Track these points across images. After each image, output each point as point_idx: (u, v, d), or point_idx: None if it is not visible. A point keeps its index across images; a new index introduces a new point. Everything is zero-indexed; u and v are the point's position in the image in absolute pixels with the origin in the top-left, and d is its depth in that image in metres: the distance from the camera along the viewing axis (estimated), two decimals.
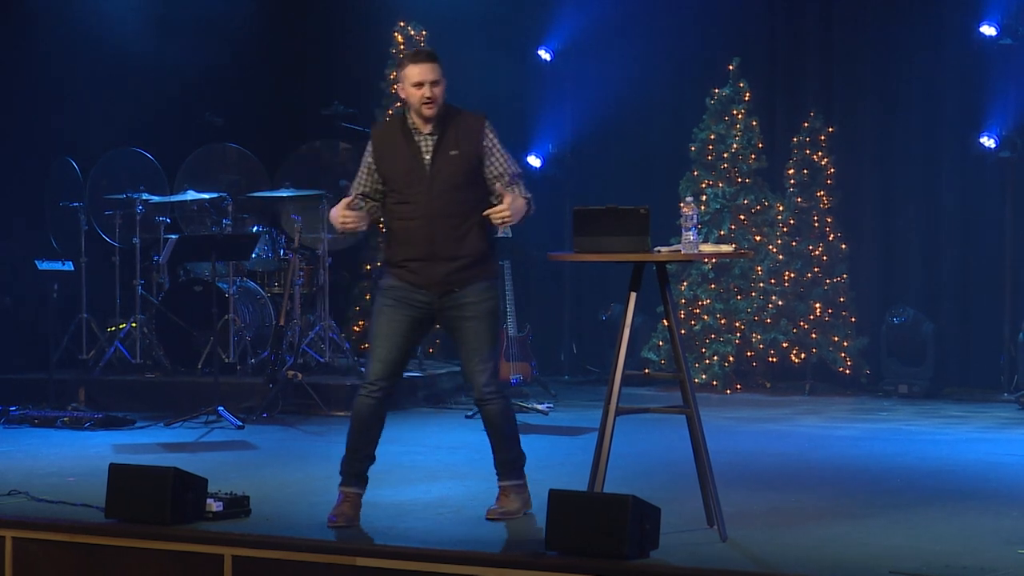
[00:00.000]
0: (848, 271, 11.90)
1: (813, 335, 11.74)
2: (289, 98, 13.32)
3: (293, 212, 11.58)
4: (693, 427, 6.21)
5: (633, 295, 6.21)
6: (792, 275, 11.79)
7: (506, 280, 10.71)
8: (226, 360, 10.98)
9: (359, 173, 6.56)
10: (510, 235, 9.84)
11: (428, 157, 6.40)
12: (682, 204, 6.34)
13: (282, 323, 10.85)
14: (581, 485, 6.22)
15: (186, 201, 11.67)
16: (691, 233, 6.29)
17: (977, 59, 11.70)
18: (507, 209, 6.27)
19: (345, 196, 6.50)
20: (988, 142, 11.55)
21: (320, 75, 13.24)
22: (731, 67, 12.01)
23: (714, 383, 11.72)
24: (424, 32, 12.98)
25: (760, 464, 8.27)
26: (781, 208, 11.91)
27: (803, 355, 11.79)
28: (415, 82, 6.37)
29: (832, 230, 11.87)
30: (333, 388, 10.68)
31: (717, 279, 11.90)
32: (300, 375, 10.57)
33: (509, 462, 6.59)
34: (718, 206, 11.88)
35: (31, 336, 11.49)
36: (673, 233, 6.79)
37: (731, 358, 11.79)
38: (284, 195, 11.74)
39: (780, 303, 11.79)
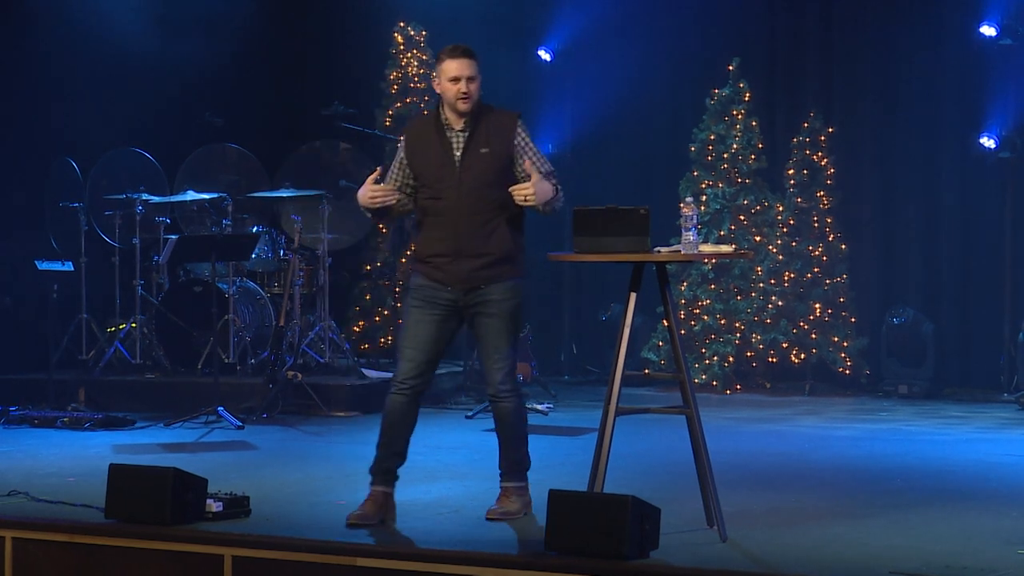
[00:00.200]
0: (848, 271, 11.90)
1: (813, 335, 11.74)
2: (289, 98, 13.32)
3: (293, 212, 11.58)
4: (693, 427, 6.21)
5: (633, 295, 6.21)
6: (792, 275, 11.79)
7: None
8: (226, 360, 10.98)
9: (392, 167, 6.60)
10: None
11: (459, 153, 6.42)
12: (682, 204, 6.34)
13: (282, 323, 10.85)
14: (581, 485, 6.22)
15: (186, 201, 11.67)
16: (691, 233, 6.28)
17: (977, 59, 11.70)
18: (531, 187, 6.28)
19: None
20: (988, 142, 11.56)
21: (320, 75, 13.23)
22: (731, 67, 12.01)
23: (714, 383, 11.72)
24: (424, 32, 12.99)
25: (760, 464, 8.27)
26: (781, 208, 11.91)
27: (803, 355, 11.79)
28: (451, 77, 6.41)
29: (832, 230, 11.88)
30: (333, 388, 10.68)
31: (717, 279, 11.90)
32: (300, 375, 10.57)
33: (515, 463, 6.59)
34: (718, 206, 11.89)
35: (31, 336, 11.48)
36: (673, 233, 6.78)
37: (731, 358, 11.79)
38: (284, 195, 11.74)
39: (780, 303, 11.79)
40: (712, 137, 11.99)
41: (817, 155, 11.87)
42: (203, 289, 11.00)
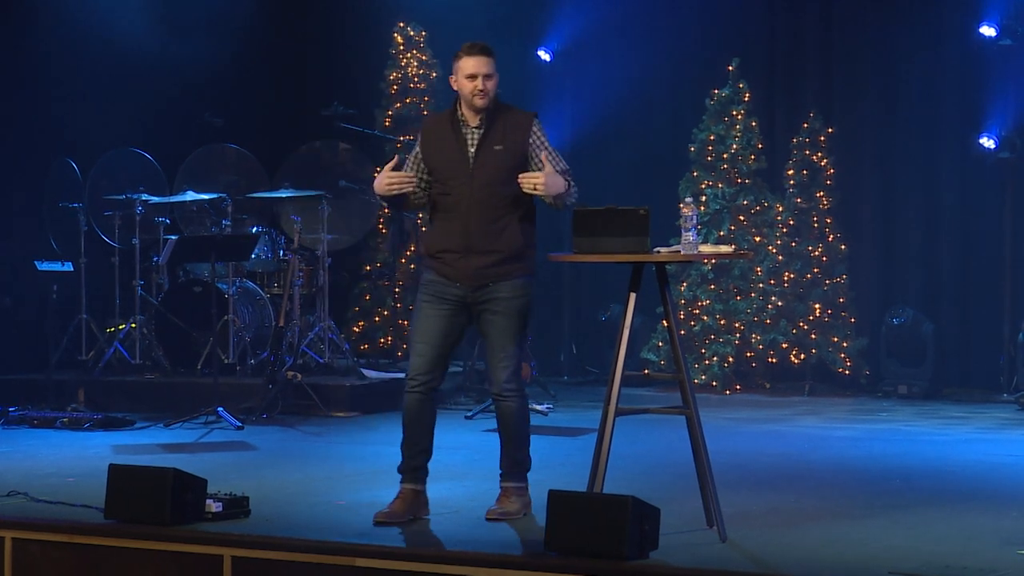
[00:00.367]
0: (847, 272, 11.90)
1: (812, 336, 11.74)
2: (289, 98, 13.32)
3: (293, 213, 11.58)
4: (692, 428, 6.21)
5: (632, 296, 6.21)
6: (791, 276, 11.79)
7: None
8: (225, 361, 10.98)
9: (407, 161, 6.63)
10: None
11: (473, 150, 6.46)
12: (681, 205, 6.34)
13: (281, 324, 10.85)
14: (581, 486, 6.22)
15: (185, 202, 11.67)
16: (690, 234, 6.29)
17: (977, 60, 11.70)
18: (541, 176, 6.30)
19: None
20: (988, 143, 11.55)
21: (320, 75, 13.24)
22: (731, 68, 12.00)
23: (713, 384, 11.71)
24: (424, 32, 13.00)
25: (760, 465, 8.27)
26: (780, 209, 11.91)
27: (802, 356, 11.79)
28: (468, 74, 6.44)
29: (831, 231, 11.87)
30: (332, 389, 10.67)
31: (716, 280, 11.90)
32: (299, 376, 10.56)
33: (516, 463, 6.60)
34: (717, 207, 11.88)
35: (30, 337, 11.48)
36: (673, 234, 6.78)
37: (730, 359, 11.79)
38: (283, 196, 11.73)
39: (779, 304, 11.78)
40: (712, 137, 11.99)
41: (817, 155, 11.87)
42: (203, 289, 11.00)
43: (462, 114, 6.52)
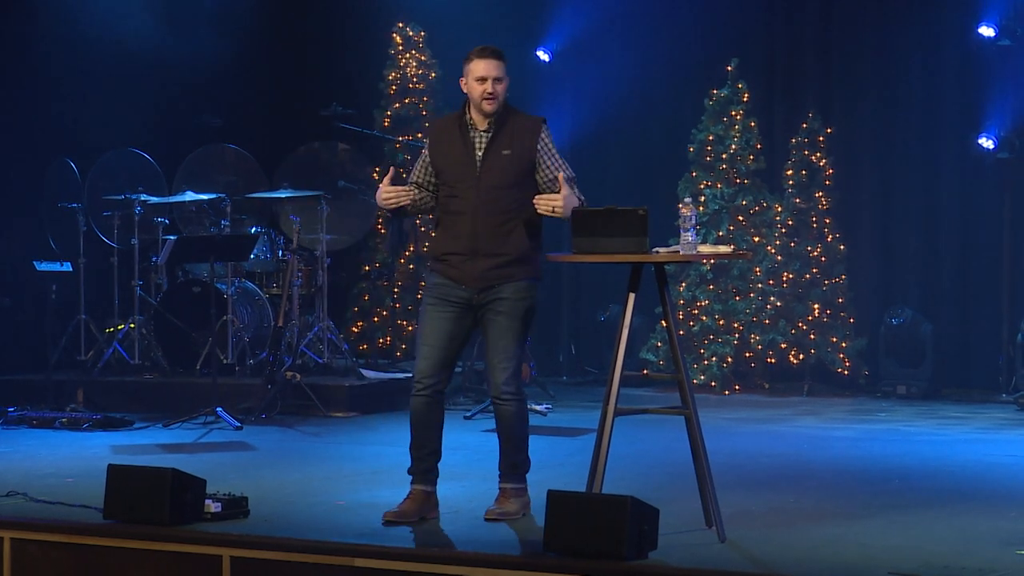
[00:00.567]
0: (846, 272, 11.90)
1: (811, 336, 11.74)
2: (288, 99, 13.32)
3: (291, 213, 11.57)
4: (692, 428, 6.21)
5: (632, 296, 6.21)
6: (790, 276, 11.79)
7: None
8: (224, 361, 10.98)
9: (416, 163, 6.65)
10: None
11: (480, 153, 6.47)
12: (680, 205, 6.34)
13: (280, 324, 10.85)
14: (579, 486, 6.21)
15: (184, 202, 11.67)
16: (689, 234, 6.29)
17: (976, 60, 11.70)
18: (560, 199, 6.32)
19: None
20: (987, 143, 11.55)
21: (319, 76, 13.23)
22: (729, 68, 12.01)
23: (712, 384, 11.72)
24: (423, 33, 13.00)
25: (759, 465, 8.27)
26: (779, 209, 11.91)
27: (801, 356, 11.79)
28: (478, 77, 6.45)
29: (830, 231, 11.87)
30: (331, 389, 10.67)
31: (715, 280, 11.90)
32: (298, 376, 10.56)
33: (514, 464, 6.60)
34: (716, 207, 11.89)
35: (30, 337, 11.49)
36: (672, 234, 6.78)
37: (729, 359, 11.79)
38: (282, 196, 11.73)
39: (778, 304, 11.79)
40: (711, 138, 11.99)
41: (816, 156, 11.87)
42: (202, 290, 11.00)
43: (470, 117, 6.52)
